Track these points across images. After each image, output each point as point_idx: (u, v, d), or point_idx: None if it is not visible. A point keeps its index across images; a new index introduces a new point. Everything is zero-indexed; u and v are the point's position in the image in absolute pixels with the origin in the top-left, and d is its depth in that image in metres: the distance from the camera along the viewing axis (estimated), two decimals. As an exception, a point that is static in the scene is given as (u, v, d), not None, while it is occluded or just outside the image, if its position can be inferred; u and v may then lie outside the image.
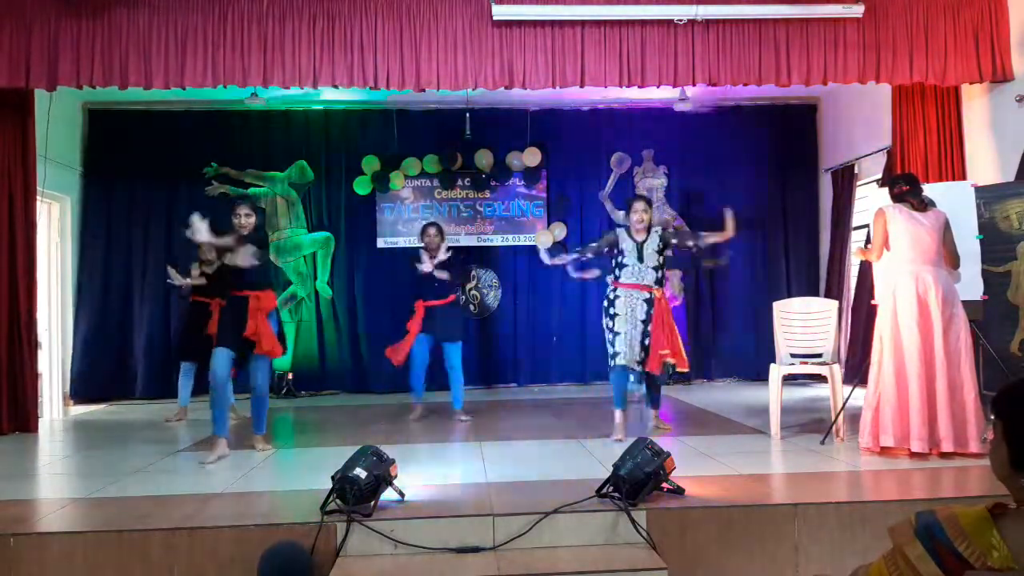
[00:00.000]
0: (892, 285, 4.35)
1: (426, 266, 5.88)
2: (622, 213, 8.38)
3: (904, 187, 4.44)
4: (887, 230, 4.39)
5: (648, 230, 5.18)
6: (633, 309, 5.02)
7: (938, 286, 4.23)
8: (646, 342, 5.00)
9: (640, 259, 5.09)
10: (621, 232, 5.24)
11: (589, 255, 5.40)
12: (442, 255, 5.90)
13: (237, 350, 4.61)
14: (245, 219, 4.63)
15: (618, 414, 5.08)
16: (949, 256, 4.43)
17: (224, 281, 4.90)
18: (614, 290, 5.13)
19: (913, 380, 4.17)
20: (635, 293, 5.05)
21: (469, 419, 5.93)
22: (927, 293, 4.23)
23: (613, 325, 5.04)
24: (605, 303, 5.14)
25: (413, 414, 6.14)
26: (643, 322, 5.01)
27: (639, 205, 5.18)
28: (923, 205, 4.38)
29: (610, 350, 5.07)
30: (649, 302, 5.04)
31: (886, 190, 4.88)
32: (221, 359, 4.54)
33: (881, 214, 4.43)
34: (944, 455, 4.13)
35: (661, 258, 5.14)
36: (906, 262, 4.31)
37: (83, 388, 7.49)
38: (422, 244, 6.06)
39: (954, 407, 4.14)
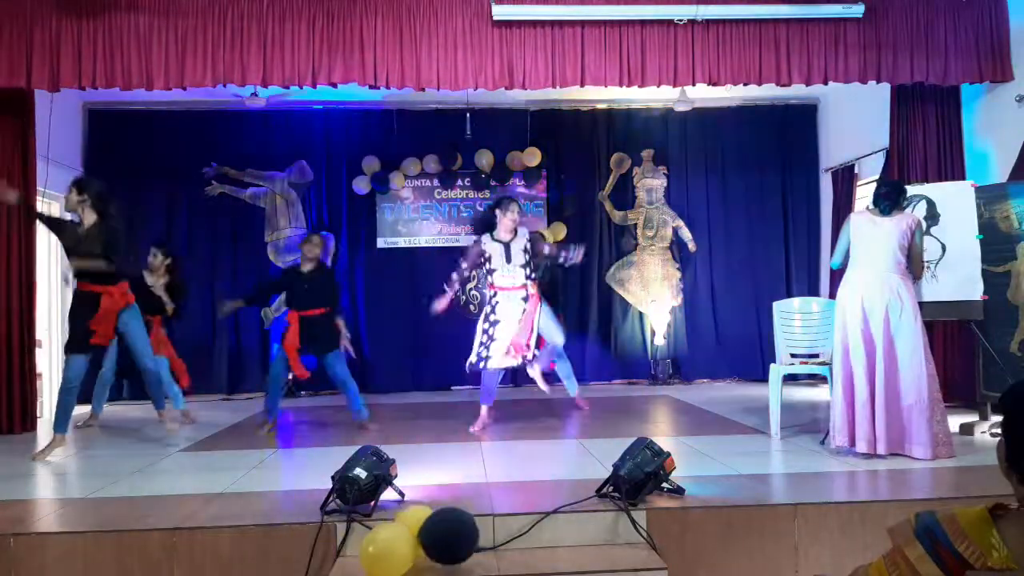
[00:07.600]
0: (843, 288, 4.37)
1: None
2: (621, 214, 8.39)
3: (882, 189, 4.41)
4: (850, 238, 4.41)
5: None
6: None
7: (884, 292, 4.19)
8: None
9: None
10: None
11: None
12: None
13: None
14: None
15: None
16: (912, 264, 4.30)
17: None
18: None
19: (860, 382, 4.19)
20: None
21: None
22: (872, 298, 4.21)
23: None
24: None
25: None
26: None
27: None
28: (890, 210, 4.31)
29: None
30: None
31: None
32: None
33: (847, 223, 4.47)
34: (893, 457, 4.14)
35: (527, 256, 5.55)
36: (856, 267, 4.34)
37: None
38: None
39: (898, 411, 4.14)
